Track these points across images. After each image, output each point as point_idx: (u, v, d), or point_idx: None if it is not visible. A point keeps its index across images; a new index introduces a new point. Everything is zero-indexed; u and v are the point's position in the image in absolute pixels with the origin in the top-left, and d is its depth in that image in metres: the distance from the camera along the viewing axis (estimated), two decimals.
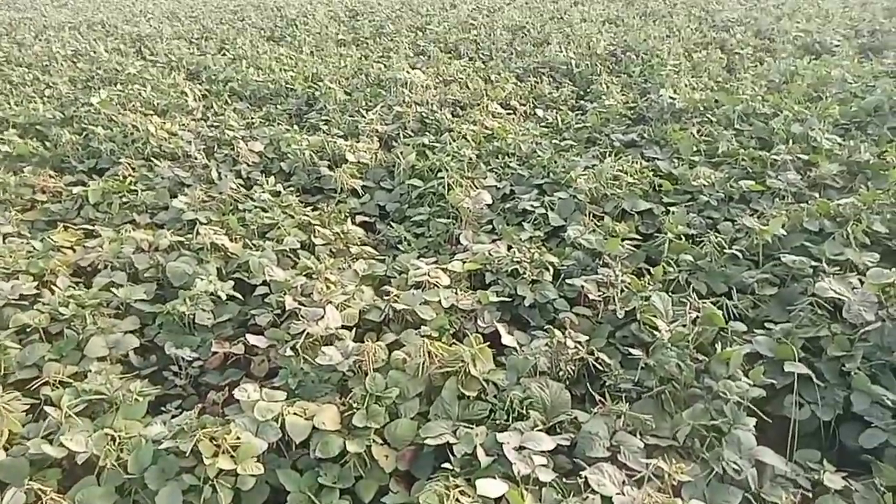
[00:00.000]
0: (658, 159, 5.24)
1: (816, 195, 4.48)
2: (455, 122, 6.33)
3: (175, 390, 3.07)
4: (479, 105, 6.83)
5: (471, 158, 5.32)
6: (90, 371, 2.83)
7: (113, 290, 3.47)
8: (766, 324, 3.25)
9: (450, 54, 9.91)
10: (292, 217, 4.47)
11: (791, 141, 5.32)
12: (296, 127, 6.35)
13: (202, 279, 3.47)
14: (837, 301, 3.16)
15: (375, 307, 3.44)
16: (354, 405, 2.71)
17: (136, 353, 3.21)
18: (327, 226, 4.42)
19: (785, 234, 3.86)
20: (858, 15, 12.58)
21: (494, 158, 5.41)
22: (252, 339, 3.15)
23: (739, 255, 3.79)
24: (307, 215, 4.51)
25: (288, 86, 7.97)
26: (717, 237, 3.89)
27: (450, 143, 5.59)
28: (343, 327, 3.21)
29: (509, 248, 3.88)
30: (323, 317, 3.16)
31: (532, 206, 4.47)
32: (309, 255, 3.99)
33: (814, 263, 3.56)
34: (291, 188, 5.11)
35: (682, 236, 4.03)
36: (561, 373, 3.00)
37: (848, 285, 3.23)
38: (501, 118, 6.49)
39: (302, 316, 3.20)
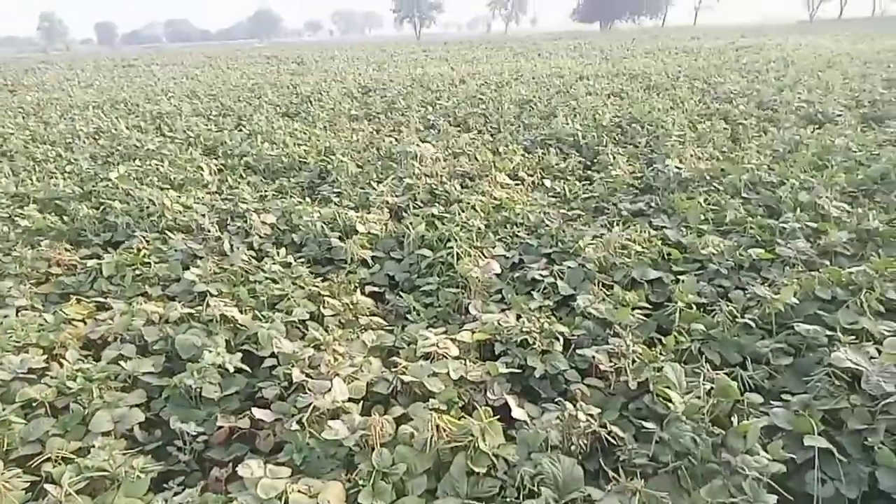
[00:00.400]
0: (666, 228, 5.27)
1: (827, 263, 4.45)
2: (464, 193, 6.45)
3: (179, 466, 3.00)
4: (487, 176, 6.97)
5: (479, 228, 5.37)
6: (94, 446, 2.79)
7: (121, 363, 3.47)
8: (782, 395, 3.16)
9: (459, 128, 10.20)
10: (302, 288, 4.49)
11: (799, 209, 5.35)
12: (308, 199, 6.48)
13: (210, 351, 3.46)
14: (855, 371, 3.08)
15: (383, 379, 3.40)
16: (360, 482, 2.64)
17: (142, 428, 3.16)
18: (337, 296, 4.43)
19: (797, 302, 3.81)
20: (858, 86, 12.89)
21: (503, 228, 5.47)
22: (258, 412, 3.11)
23: (752, 324, 3.74)
24: (317, 286, 4.54)
25: (301, 159, 8.19)
26: (728, 306, 3.85)
27: (459, 214, 5.67)
28: (350, 400, 3.16)
29: (518, 317, 3.85)
30: (330, 389, 3.12)
31: (541, 275, 4.47)
32: (318, 327, 3.98)
33: (829, 332, 3.50)
34: (302, 259, 5.16)
35: (693, 305, 3.99)
36: (573, 447, 2.91)
37: (865, 355, 3.16)
38: (510, 189, 6.59)
39: (309, 389, 3.16)
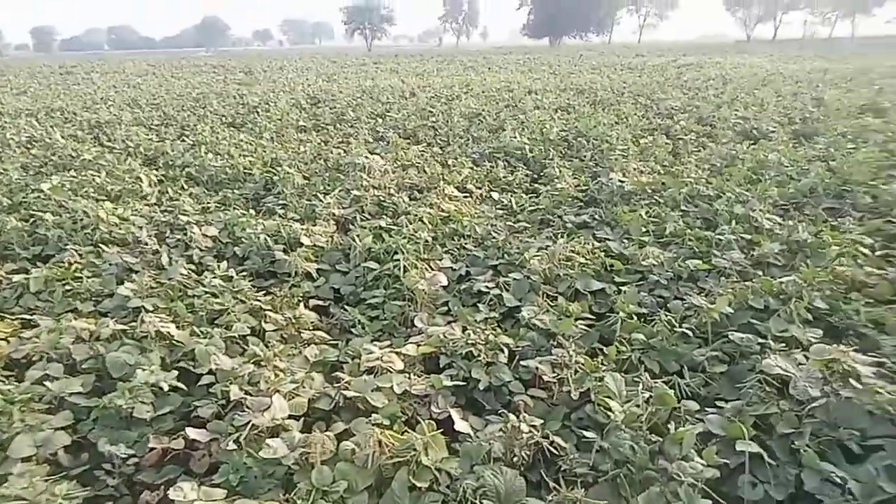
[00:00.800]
0: (609, 240, 5.38)
1: (760, 273, 4.62)
2: (412, 205, 6.44)
3: (107, 491, 2.87)
4: (436, 189, 6.98)
5: (427, 241, 5.37)
6: (12, 473, 2.63)
7: (47, 383, 3.30)
8: (717, 402, 3.25)
9: (408, 140, 10.21)
10: (243, 302, 4.38)
11: (734, 221, 5.55)
12: (252, 211, 6.35)
13: (143, 369, 3.33)
14: (784, 377, 3.20)
15: (325, 395, 3.34)
16: (299, 501, 2.58)
17: (67, 452, 3.01)
18: (279, 311, 4.34)
19: (732, 311, 3.94)
20: (790, 104, 13.51)
21: (451, 240, 5.48)
22: (192, 432, 3.00)
23: (690, 333, 3.84)
24: (259, 300, 4.44)
25: (246, 171, 8.04)
26: (667, 316, 3.95)
27: (406, 226, 5.65)
28: (290, 417, 3.09)
29: (464, 329, 3.85)
30: (269, 407, 3.04)
31: (487, 287, 4.49)
32: (258, 342, 3.89)
33: (761, 340, 3.63)
34: (244, 273, 5.04)
35: (634, 315, 4.07)
36: (515, 459, 2.92)
37: (793, 361, 3.28)
38: (458, 201, 6.62)
39: (247, 406, 3.07)
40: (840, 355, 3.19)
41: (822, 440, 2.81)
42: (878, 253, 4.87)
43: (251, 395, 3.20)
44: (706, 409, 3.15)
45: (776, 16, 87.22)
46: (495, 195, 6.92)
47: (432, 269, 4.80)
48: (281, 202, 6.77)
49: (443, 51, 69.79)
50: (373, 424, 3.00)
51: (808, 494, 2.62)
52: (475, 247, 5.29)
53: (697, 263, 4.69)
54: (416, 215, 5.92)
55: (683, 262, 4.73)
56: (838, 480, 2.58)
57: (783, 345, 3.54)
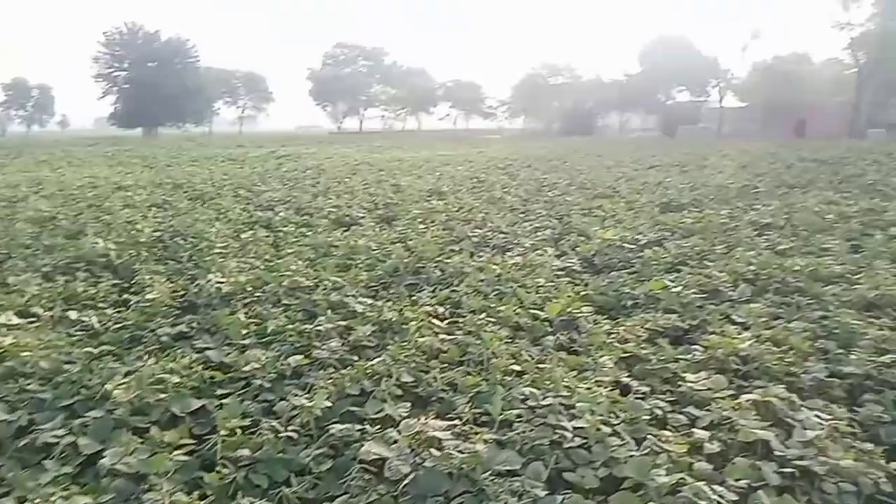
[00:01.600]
0: (209, 349, 5.09)
1: (356, 358, 4.92)
2: None
3: None
4: None
5: None
6: None
7: None
8: (325, 502, 3.26)
9: None
10: None
11: (331, 309, 5.85)
12: None
13: None
14: (382, 459, 3.39)
15: None
16: None
17: None
18: None
19: (331, 404, 4.06)
20: (375, 190, 15.32)
21: (5, 385, 4.44)
22: None
23: (295, 434, 3.81)
24: None
25: None
26: (273, 422, 3.85)
27: None
28: None
29: (23, 501, 3.08)
30: None
31: (56, 436, 3.73)
32: None
33: (359, 427, 3.80)
34: None
35: (239, 429, 3.86)
36: None
37: (388, 441, 3.52)
38: (19, 330, 5.46)
39: None
40: (421, 426, 3.54)
41: None
42: (447, 321, 5.69)
43: None
44: None
45: (359, 111, 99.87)
46: (73, 315, 5.95)
47: None
48: None
49: (7, 142, 59.59)
50: None
51: None
52: (41, 387, 4.39)
53: (300, 359, 4.75)
54: None
55: (286, 359, 4.74)
56: None
57: (379, 427, 3.77)
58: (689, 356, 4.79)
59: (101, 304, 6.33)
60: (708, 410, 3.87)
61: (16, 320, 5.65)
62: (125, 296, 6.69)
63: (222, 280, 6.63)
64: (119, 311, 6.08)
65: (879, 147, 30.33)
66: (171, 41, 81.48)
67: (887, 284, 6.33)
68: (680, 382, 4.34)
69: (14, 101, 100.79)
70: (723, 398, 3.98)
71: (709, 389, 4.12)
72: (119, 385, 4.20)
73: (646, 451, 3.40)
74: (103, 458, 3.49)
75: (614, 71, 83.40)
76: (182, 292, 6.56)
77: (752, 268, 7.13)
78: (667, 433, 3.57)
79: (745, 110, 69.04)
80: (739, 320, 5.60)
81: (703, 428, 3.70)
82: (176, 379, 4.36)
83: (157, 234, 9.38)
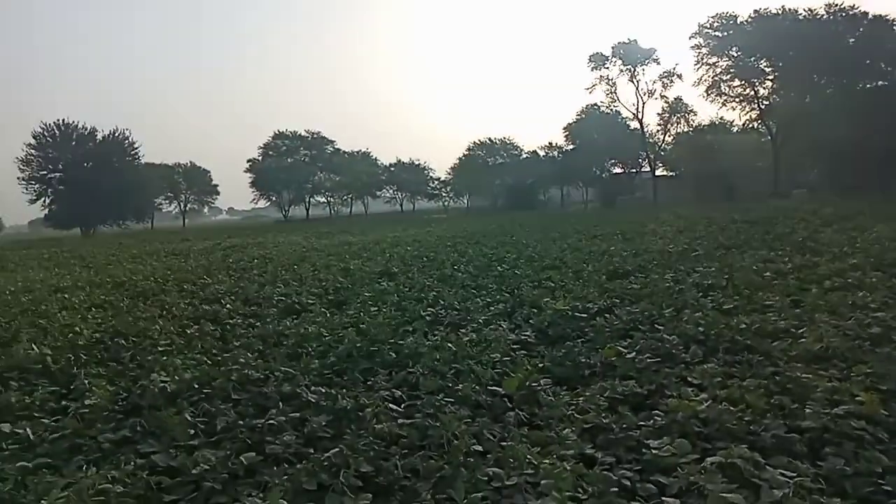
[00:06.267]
0: (154, 453, 4.79)
1: (312, 450, 4.71)
2: None
3: None
4: None
5: None
6: None
7: None
8: None
9: None
10: None
11: (284, 401, 5.65)
12: None
13: None
14: None
15: None
16: None
17: None
18: None
19: (288, 502, 3.85)
20: (325, 276, 15.17)
21: None
22: None
23: None
24: None
25: None
26: None
27: None
28: None
29: None
30: None
31: None
32: None
33: None
34: None
35: None
36: None
37: None
38: None
39: None
40: None
41: None
42: (405, 405, 5.56)
43: None
44: None
45: (305, 199, 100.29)
46: (5, 427, 5.54)
47: None
48: None
49: None
50: None
51: None
52: None
53: (252, 456, 4.53)
54: None
55: (237, 458, 4.51)
56: None
57: None
58: (650, 422, 4.79)
59: (36, 414, 5.92)
60: (675, 477, 3.84)
61: None
62: (64, 402, 6.30)
63: (166, 379, 6.35)
64: (56, 420, 5.70)
65: (804, 206, 32.19)
66: (107, 139, 79.91)
67: (830, 336, 6.57)
68: (644, 450, 4.32)
69: None
70: (688, 462, 3.97)
71: (673, 455, 4.10)
72: (58, 499, 3.89)
73: None
74: None
75: (550, 147, 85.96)
76: (124, 395, 6.22)
77: (700, 329, 7.30)
78: None
79: (675, 179, 72.80)
80: (695, 382, 5.67)
81: (673, 495, 3.67)
82: (119, 488, 4.08)
83: (97, 335, 8.97)
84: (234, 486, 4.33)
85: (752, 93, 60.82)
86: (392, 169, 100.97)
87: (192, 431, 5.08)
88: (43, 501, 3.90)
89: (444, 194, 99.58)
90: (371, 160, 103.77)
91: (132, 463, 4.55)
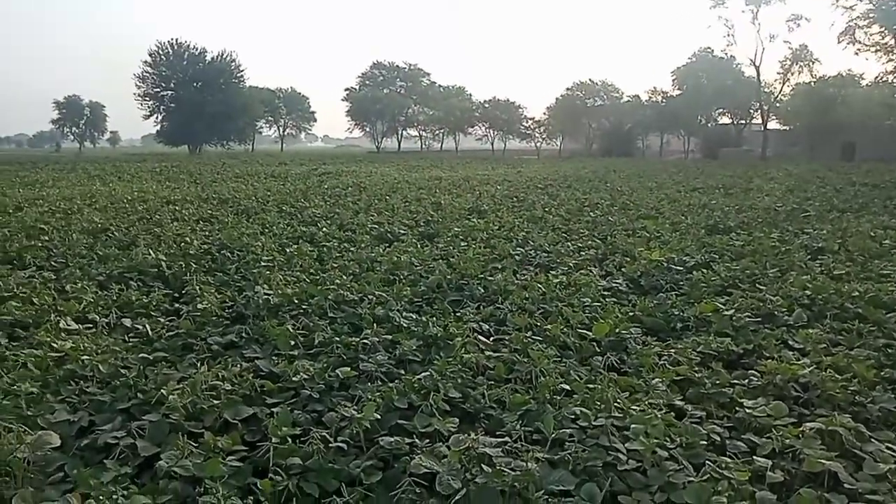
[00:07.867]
0: (258, 358, 5.15)
1: (403, 371, 4.92)
2: (11, 348, 5.24)
3: None
4: (46, 323, 5.85)
5: (33, 392, 4.37)
6: None
7: None
8: None
9: (11, 265, 8.49)
10: None
11: (377, 323, 5.88)
12: None
13: None
14: (433, 473, 3.36)
15: None
16: None
17: None
18: None
19: (380, 416, 4.05)
20: (416, 208, 15.39)
21: (67, 386, 4.56)
22: None
23: (345, 445, 3.81)
24: None
25: None
26: (322, 432, 3.86)
27: (2, 377, 4.54)
28: None
29: (86, 497, 3.15)
30: None
31: (116, 437, 3.81)
32: None
33: (409, 440, 3.78)
34: None
35: (289, 437, 3.89)
36: None
37: (438, 456, 3.49)
38: (77, 335, 5.63)
39: None
40: (472, 442, 3.50)
41: None
42: (493, 338, 5.65)
43: None
44: None
45: (398, 131, 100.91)
46: (127, 322, 6.11)
47: (31, 432, 3.87)
48: None
49: (61, 158, 61.95)
50: None
51: None
52: (100, 389, 4.50)
53: (347, 371, 4.77)
54: (15, 362, 4.82)
55: (333, 371, 4.77)
56: None
57: (428, 441, 3.75)
58: (745, 381, 4.65)
59: (153, 313, 6.48)
60: (769, 438, 3.73)
61: (74, 326, 5.84)
62: (176, 305, 6.85)
63: (269, 292, 6.73)
64: (171, 320, 6.23)
65: None
66: (215, 61, 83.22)
67: None
68: (737, 408, 4.21)
69: (68, 119, 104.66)
70: (784, 426, 3.84)
71: (769, 416, 3.98)
72: (174, 390, 4.28)
73: (705, 478, 3.29)
74: (160, 460, 3.56)
75: (653, 91, 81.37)
76: (231, 303, 6.68)
77: (807, 292, 6.91)
78: (726, 459, 3.45)
79: (788, 133, 67.61)
80: (797, 346, 5.42)
81: (765, 456, 3.58)
82: (228, 386, 4.43)
83: (206, 246, 9.59)
84: (329, 396, 4.60)
85: (893, 41, 54.49)
86: (486, 105, 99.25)
87: (293, 343, 5.40)
88: (162, 391, 4.30)
89: (537, 135, 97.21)
90: (466, 95, 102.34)
91: (238, 365, 4.91)
